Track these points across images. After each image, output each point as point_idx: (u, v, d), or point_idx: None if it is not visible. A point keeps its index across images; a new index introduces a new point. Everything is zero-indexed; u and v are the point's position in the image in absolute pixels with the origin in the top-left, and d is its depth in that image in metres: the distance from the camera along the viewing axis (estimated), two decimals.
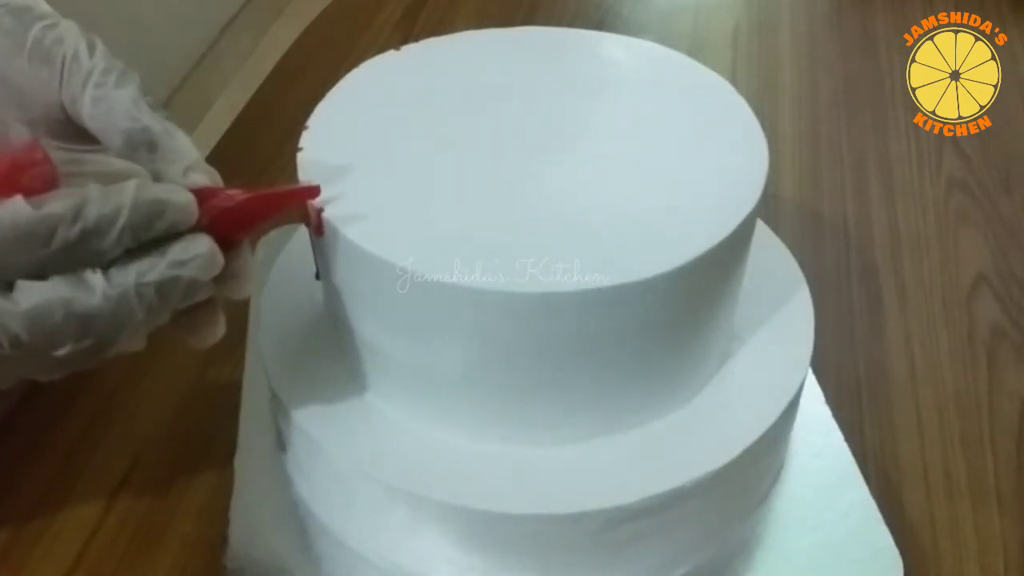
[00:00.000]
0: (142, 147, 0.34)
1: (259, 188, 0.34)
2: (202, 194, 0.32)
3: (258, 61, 0.80)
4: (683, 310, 0.36)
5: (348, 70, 0.43)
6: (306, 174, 0.37)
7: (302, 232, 0.37)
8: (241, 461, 0.44)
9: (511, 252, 0.34)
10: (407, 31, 0.82)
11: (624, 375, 0.37)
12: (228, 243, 0.33)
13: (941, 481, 0.48)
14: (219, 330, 0.35)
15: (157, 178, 0.33)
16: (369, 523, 0.38)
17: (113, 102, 0.34)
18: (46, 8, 0.37)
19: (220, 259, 0.32)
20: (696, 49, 0.80)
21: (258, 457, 0.44)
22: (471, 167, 0.38)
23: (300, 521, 0.42)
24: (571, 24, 0.46)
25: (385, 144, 0.39)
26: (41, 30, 0.36)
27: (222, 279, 0.33)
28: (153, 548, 0.46)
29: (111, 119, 0.34)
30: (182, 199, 0.32)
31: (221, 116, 0.74)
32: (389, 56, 0.44)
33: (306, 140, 0.38)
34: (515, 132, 0.40)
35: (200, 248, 0.32)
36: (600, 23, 0.83)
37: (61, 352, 0.31)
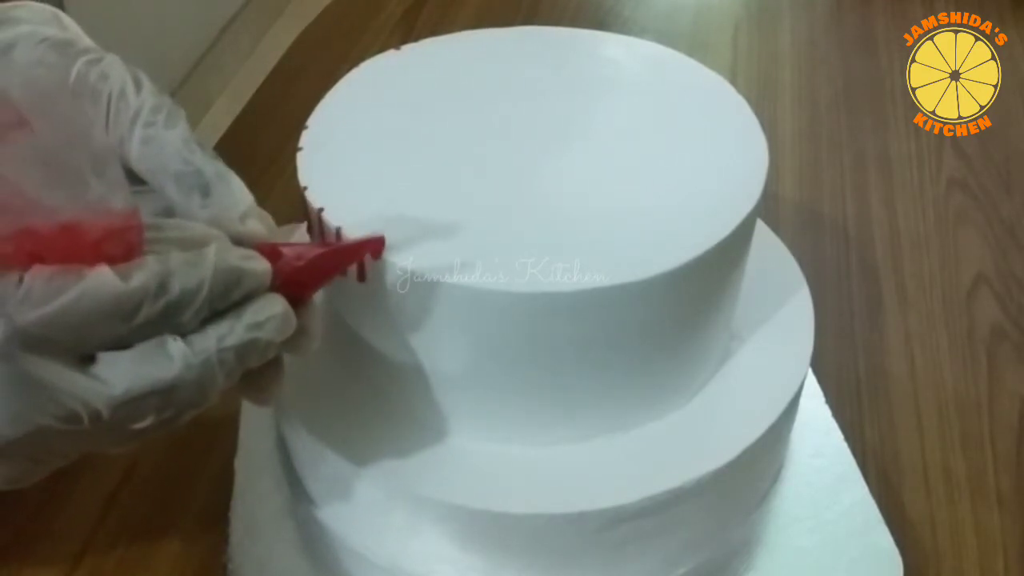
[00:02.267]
0: (195, 191, 0.33)
1: (326, 244, 0.33)
2: (268, 252, 0.32)
3: (258, 61, 0.80)
4: (683, 309, 0.36)
5: (348, 70, 0.43)
6: (305, 174, 0.37)
7: (301, 232, 0.37)
8: (241, 461, 0.44)
9: (511, 252, 0.34)
10: (407, 31, 0.82)
11: (624, 375, 0.37)
12: (297, 300, 0.32)
13: (941, 481, 0.48)
14: (283, 387, 0.34)
15: (213, 224, 0.32)
16: (369, 523, 0.38)
17: (164, 143, 0.33)
18: (89, 42, 0.35)
19: (294, 320, 0.31)
20: (696, 49, 0.80)
21: (258, 457, 0.44)
22: (470, 167, 0.38)
23: (300, 521, 0.42)
24: (571, 24, 0.46)
25: (385, 144, 0.39)
26: (85, 65, 0.34)
27: (292, 336, 0.32)
28: (153, 548, 0.46)
29: (161, 161, 0.33)
30: (259, 268, 0.31)
31: (221, 116, 0.74)
32: (389, 56, 0.44)
33: (306, 140, 0.38)
34: (514, 132, 0.39)
35: (276, 309, 0.31)
36: (600, 23, 0.83)
37: (141, 425, 0.29)
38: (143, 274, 0.28)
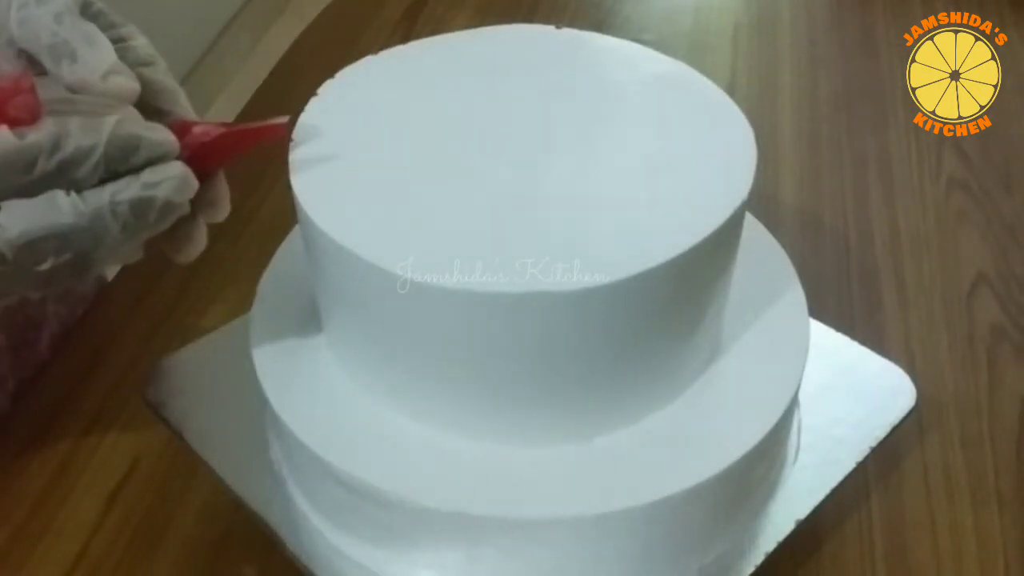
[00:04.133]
0: (64, 60, 0.34)
1: (231, 124, 0.36)
2: (179, 129, 0.34)
3: (258, 61, 0.80)
4: (681, 303, 0.37)
5: None
6: (300, 180, 0.37)
7: (293, 239, 0.37)
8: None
9: (511, 252, 0.34)
10: (407, 31, 0.82)
11: (624, 372, 0.37)
12: (204, 174, 0.35)
13: (941, 481, 0.48)
14: (199, 246, 0.36)
15: (79, 88, 0.34)
16: (365, 527, 0.38)
17: (35, 20, 0.34)
18: None
19: (193, 181, 0.34)
20: (696, 49, 0.80)
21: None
22: (469, 167, 0.38)
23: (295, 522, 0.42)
24: (570, 24, 0.46)
25: (383, 145, 0.39)
26: None
27: (200, 206, 0.36)
28: (153, 548, 0.46)
29: (37, 37, 0.34)
30: (159, 137, 0.33)
31: (221, 116, 0.74)
32: (386, 55, 0.44)
33: (295, 148, 0.38)
34: (511, 133, 0.40)
35: (173, 172, 0.33)
36: (600, 23, 0.83)
37: (44, 267, 0.32)
38: (38, 133, 0.31)
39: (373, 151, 0.39)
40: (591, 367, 0.36)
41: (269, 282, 0.44)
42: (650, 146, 0.39)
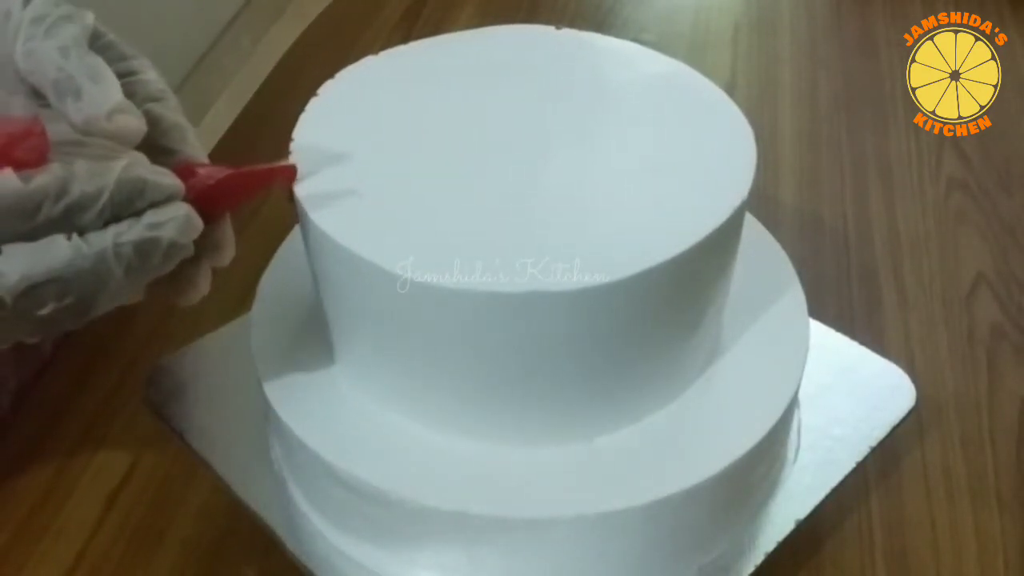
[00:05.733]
0: (68, 97, 0.33)
1: (239, 166, 0.35)
2: (184, 172, 0.33)
3: (258, 61, 0.80)
4: (681, 302, 0.37)
5: None
6: (300, 180, 0.37)
7: (293, 239, 0.37)
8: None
9: (511, 252, 0.34)
10: (407, 31, 0.82)
11: (624, 371, 0.37)
12: (209, 217, 0.34)
13: (941, 481, 0.48)
14: (202, 290, 0.36)
15: (84, 128, 0.33)
16: (365, 527, 0.38)
17: (41, 55, 0.33)
18: None
19: (198, 222, 0.33)
20: (696, 49, 0.80)
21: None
22: (468, 168, 0.38)
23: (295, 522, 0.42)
24: (571, 24, 0.46)
25: (375, 149, 0.39)
26: None
27: (204, 249, 0.34)
28: (153, 548, 0.46)
29: (42, 72, 0.33)
30: (166, 181, 0.32)
31: (221, 116, 0.74)
32: (384, 56, 0.44)
33: (297, 143, 0.38)
34: (510, 133, 0.40)
35: (176, 212, 0.32)
36: (600, 23, 0.83)
37: (44, 312, 0.31)
38: (44, 177, 0.30)
39: (373, 151, 0.39)
40: (591, 367, 0.36)
41: (269, 282, 0.44)
42: (650, 146, 0.39)
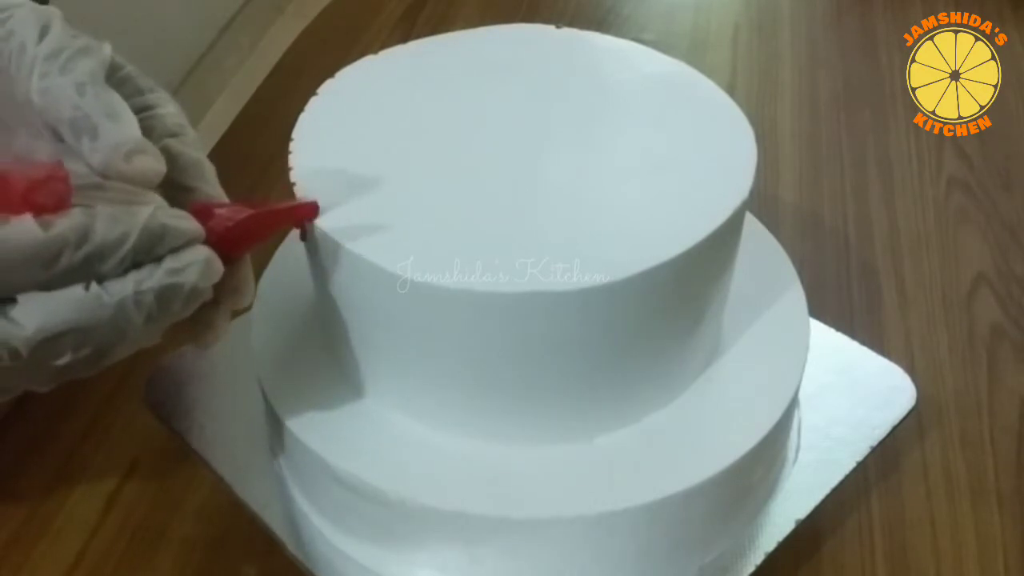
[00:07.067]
0: (85, 136, 0.32)
1: (257, 203, 0.34)
2: (202, 211, 0.32)
3: (258, 61, 0.80)
4: (682, 302, 0.37)
5: None
6: (300, 180, 0.37)
7: (293, 239, 0.37)
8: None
9: (511, 252, 0.34)
10: (407, 31, 0.82)
11: (623, 371, 0.37)
12: (228, 259, 0.33)
13: (941, 481, 0.48)
14: (221, 333, 0.35)
15: (102, 171, 0.31)
16: (365, 527, 0.38)
17: (56, 92, 0.32)
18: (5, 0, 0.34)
19: (218, 266, 0.32)
20: (696, 48, 0.80)
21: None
22: (468, 168, 0.38)
23: (295, 522, 0.42)
24: (571, 24, 0.46)
25: (376, 149, 0.39)
26: None
27: (223, 292, 0.33)
28: (153, 548, 0.46)
29: (57, 110, 0.32)
30: (187, 226, 0.31)
31: (221, 116, 0.74)
32: (383, 56, 0.44)
33: (296, 144, 0.38)
34: (509, 133, 0.40)
35: (198, 256, 0.31)
36: (600, 22, 0.83)
37: (60, 362, 0.30)
38: (64, 224, 0.29)
39: (373, 151, 0.39)
40: (591, 367, 0.36)
41: (269, 282, 0.44)
42: (650, 146, 0.39)
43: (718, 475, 0.37)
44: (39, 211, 0.29)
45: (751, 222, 0.43)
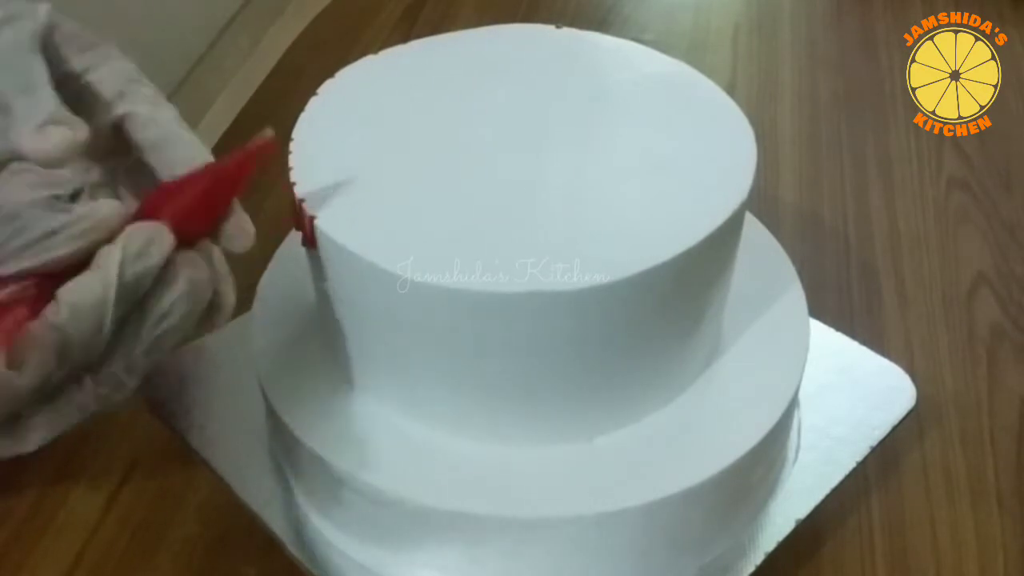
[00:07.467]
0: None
1: (211, 166, 0.32)
2: (159, 197, 0.32)
3: (258, 61, 0.80)
4: (681, 302, 0.37)
5: None
6: (300, 180, 0.37)
7: (293, 239, 0.37)
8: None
9: (511, 252, 0.34)
10: (407, 31, 0.82)
11: (623, 371, 0.37)
12: (213, 213, 0.32)
13: (941, 481, 0.48)
14: (228, 312, 0.35)
15: (13, 146, 0.29)
16: (365, 527, 0.38)
17: None
18: None
19: (205, 290, 0.31)
20: (696, 48, 0.80)
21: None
22: (468, 167, 0.38)
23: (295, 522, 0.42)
24: (571, 24, 0.46)
25: (375, 149, 0.39)
26: None
27: (218, 239, 0.33)
28: (153, 548, 0.46)
29: None
30: (155, 260, 0.30)
31: (221, 116, 0.74)
32: (382, 56, 0.44)
33: (296, 143, 0.38)
34: (510, 133, 0.40)
35: (179, 290, 0.30)
36: (600, 22, 0.83)
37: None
38: (35, 359, 0.28)
39: (373, 151, 0.39)
40: (591, 367, 0.36)
41: (269, 282, 0.44)
42: (650, 146, 0.39)
43: (718, 475, 0.37)
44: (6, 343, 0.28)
45: (751, 222, 0.43)
